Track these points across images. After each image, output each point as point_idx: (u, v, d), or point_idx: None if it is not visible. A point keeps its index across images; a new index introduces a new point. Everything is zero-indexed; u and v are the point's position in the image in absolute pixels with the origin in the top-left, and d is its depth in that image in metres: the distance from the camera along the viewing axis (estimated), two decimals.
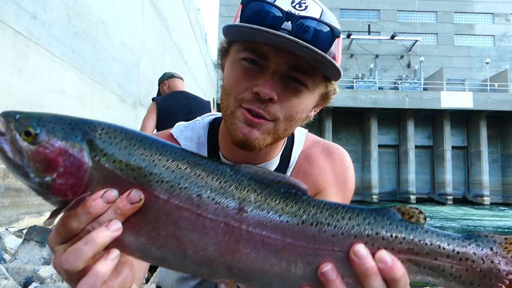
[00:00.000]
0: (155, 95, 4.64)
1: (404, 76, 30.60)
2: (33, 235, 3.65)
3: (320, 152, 0.93)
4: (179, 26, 14.41)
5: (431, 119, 28.66)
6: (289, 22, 0.67)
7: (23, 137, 0.47)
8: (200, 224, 0.47)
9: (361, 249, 0.48)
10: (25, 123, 0.48)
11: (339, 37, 0.70)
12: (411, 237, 0.50)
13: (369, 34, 31.74)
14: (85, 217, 0.44)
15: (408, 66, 31.97)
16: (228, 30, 0.70)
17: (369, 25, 32.09)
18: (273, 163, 0.86)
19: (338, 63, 0.72)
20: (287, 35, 0.63)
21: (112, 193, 0.45)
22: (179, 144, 0.89)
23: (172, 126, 0.94)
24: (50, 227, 0.47)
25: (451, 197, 26.71)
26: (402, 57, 32.32)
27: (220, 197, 0.47)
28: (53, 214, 0.47)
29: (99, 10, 7.12)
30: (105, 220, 0.45)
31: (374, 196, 26.33)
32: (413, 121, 27.49)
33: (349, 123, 28.58)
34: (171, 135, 0.91)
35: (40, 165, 0.47)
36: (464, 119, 28.17)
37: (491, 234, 0.52)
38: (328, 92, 0.79)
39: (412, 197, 26.67)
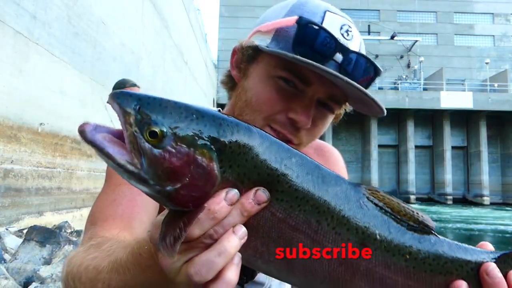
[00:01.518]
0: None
1: (404, 76, 30.61)
2: (33, 235, 3.65)
3: (314, 152, 0.92)
4: (179, 26, 14.41)
5: (431, 119, 28.67)
6: (340, 54, 0.66)
7: (146, 137, 0.39)
8: (314, 251, 0.44)
9: (494, 269, 0.48)
10: (149, 119, 0.40)
11: (379, 75, 0.70)
12: None
13: (369, 34, 31.74)
14: (209, 223, 0.40)
15: (408, 66, 31.98)
16: (279, 54, 0.66)
17: (369, 25, 32.10)
18: None
19: None
20: (341, 76, 0.63)
21: (235, 194, 0.41)
22: None
23: None
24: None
25: (451, 197, 26.73)
26: (402, 57, 32.33)
27: (342, 228, 0.43)
28: (170, 230, 0.40)
29: (99, 10, 7.12)
30: (230, 224, 0.41)
31: None
32: (413, 121, 27.50)
33: (349, 123, 28.52)
34: None
35: (163, 173, 0.40)
36: (464, 119, 28.17)
37: None
38: (341, 112, 0.80)
39: (412, 197, 26.68)
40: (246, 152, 0.42)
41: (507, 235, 10.97)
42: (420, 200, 27.06)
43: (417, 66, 30.39)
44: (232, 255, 0.40)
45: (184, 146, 0.40)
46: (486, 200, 26.23)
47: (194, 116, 0.41)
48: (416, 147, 27.82)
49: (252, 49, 0.73)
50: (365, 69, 0.67)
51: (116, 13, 8.02)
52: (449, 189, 26.91)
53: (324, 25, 0.67)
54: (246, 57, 0.74)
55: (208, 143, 0.40)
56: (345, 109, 0.80)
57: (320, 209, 0.43)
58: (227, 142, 0.41)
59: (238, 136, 0.42)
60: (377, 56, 31.57)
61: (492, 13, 32.81)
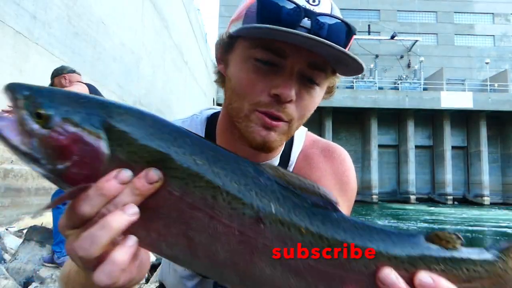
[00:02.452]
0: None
1: (404, 76, 30.61)
2: (33, 235, 3.65)
3: (320, 153, 0.90)
4: (179, 26, 14.41)
5: (431, 119, 28.67)
6: (309, 20, 0.65)
7: (34, 119, 0.42)
8: (212, 228, 0.43)
9: (390, 274, 0.44)
10: (37, 103, 0.43)
11: (355, 34, 0.69)
12: (446, 259, 0.46)
13: (369, 34, 31.74)
14: (98, 200, 0.41)
15: (408, 66, 31.98)
16: (247, 31, 0.66)
17: (369, 25, 32.10)
18: (273, 162, 0.84)
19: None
20: (314, 36, 0.61)
21: (126, 173, 0.42)
22: None
23: None
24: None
25: (451, 197, 26.73)
26: (402, 57, 32.33)
27: (237, 203, 0.43)
28: (59, 200, 0.43)
29: (99, 10, 7.12)
30: (121, 203, 0.41)
31: (374, 196, 26.34)
32: (413, 121, 27.50)
33: (349, 123, 28.59)
34: None
35: (52, 152, 0.42)
36: (464, 119, 28.17)
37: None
38: (333, 86, 0.78)
39: (412, 197, 26.68)
40: (136, 132, 0.43)
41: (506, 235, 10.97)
42: (420, 200, 27.07)
43: (417, 66, 30.40)
44: (115, 230, 0.40)
45: (71, 125, 0.42)
46: (486, 200, 26.23)
47: (82, 100, 0.44)
48: (416, 147, 27.82)
49: (227, 37, 0.74)
50: (337, 29, 0.66)
51: (116, 13, 8.02)
52: (449, 189, 26.91)
53: None
54: (224, 48, 0.75)
55: (96, 123, 0.42)
56: (336, 82, 0.78)
57: (215, 184, 0.43)
58: (116, 122, 0.43)
59: (128, 117, 0.44)
60: (377, 56, 31.58)
61: (492, 13, 32.82)
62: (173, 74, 13.49)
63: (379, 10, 32.86)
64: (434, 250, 0.46)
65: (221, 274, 0.46)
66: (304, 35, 0.61)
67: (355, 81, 28.35)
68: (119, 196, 0.41)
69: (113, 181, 0.41)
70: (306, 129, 0.95)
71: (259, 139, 0.69)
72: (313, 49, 0.65)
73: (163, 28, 12.08)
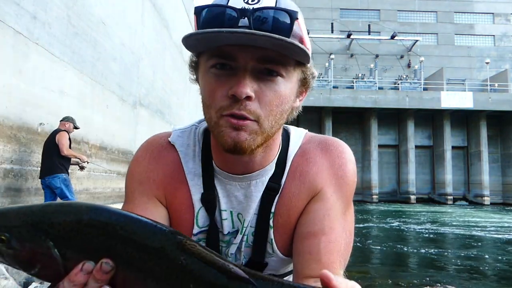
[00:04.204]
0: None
1: (404, 76, 30.61)
2: None
3: (316, 147, 0.87)
4: (179, 26, 14.41)
5: (431, 119, 28.68)
6: (245, 18, 0.66)
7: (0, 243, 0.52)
8: None
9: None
10: None
11: (297, 19, 0.68)
12: None
13: (369, 34, 31.75)
14: None
15: (408, 66, 31.99)
16: (186, 42, 0.68)
17: (369, 25, 32.10)
18: (270, 169, 0.83)
19: (306, 45, 0.71)
20: (242, 30, 0.63)
21: (89, 264, 0.50)
22: (175, 149, 0.87)
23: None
24: None
25: (451, 197, 26.74)
26: (402, 57, 32.33)
27: (163, 284, 0.51)
28: None
29: (99, 10, 7.12)
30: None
31: (374, 196, 26.36)
32: (413, 121, 27.51)
33: (349, 123, 28.60)
34: (168, 141, 0.88)
35: (21, 264, 0.53)
36: (464, 119, 28.19)
37: None
38: (306, 77, 0.77)
39: (412, 197, 26.70)
40: (76, 233, 0.51)
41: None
42: (421, 200, 27.08)
43: (418, 66, 30.40)
44: None
45: (26, 243, 0.51)
46: (487, 200, 26.25)
47: (28, 217, 0.52)
48: (416, 147, 27.83)
49: (191, 58, 0.78)
50: (278, 19, 0.66)
51: (116, 13, 8.02)
52: (449, 189, 26.92)
53: (230, 3, 0.67)
54: (193, 68, 0.79)
55: (43, 236, 0.51)
56: (311, 74, 0.77)
57: (142, 268, 0.51)
58: (57, 231, 0.51)
59: (65, 220, 0.52)
60: (377, 56, 31.59)
61: (492, 13, 32.82)
62: (173, 74, 13.49)
63: (379, 10, 32.85)
64: None
65: None
66: (233, 31, 0.63)
67: (355, 81, 28.36)
68: (88, 284, 0.50)
69: (80, 274, 0.49)
70: (306, 130, 0.93)
71: (230, 141, 0.69)
72: (253, 44, 0.65)
73: (163, 28, 12.08)
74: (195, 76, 0.80)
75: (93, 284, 0.50)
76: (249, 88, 0.67)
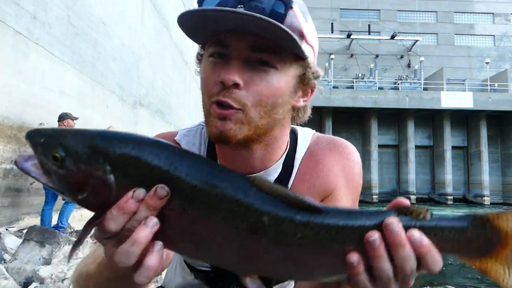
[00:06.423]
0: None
1: (404, 76, 30.60)
2: (33, 235, 3.65)
3: (325, 148, 0.87)
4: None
5: (431, 119, 28.67)
6: (241, 6, 0.66)
7: (51, 161, 0.50)
8: (213, 239, 0.51)
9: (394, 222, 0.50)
10: (51, 148, 0.50)
11: (292, 8, 0.68)
12: (417, 226, 0.52)
13: (369, 34, 31.74)
14: (121, 218, 0.49)
15: (408, 66, 31.98)
16: (180, 24, 0.69)
17: (369, 25, 32.09)
18: (275, 170, 0.81)
19: (307, 40, 0.71)
20: (227, 8, 0.64)
21: (141, 191, 0.49)
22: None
23: None
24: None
25: (451, 197, 26.73)
26: (402, 57, 32.32)
27: (232, 219, 0.49)
28: (87, 227, 0.51)
29: (99, 10, 7.12)
30: (141, 218, 0.49)
31: (374, 196, 26.33)
32: (413, 121, 27.50)
33: (349, 123, 28.58)
34: (174, 140, 0.89)
35: (70, 187, 0.51)
36: (464, 119, 28.17)
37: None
38: (305, 73, 0.75)
39: (412, 197, 26.66)
40: (136, 161, 0.50)
41: None
42: (421, 200, 27.06)
43: (418, 66, 30.39)
44: (144, 243, 0.48)
45: (81, 164, 0.49)
46: (487, 200, 26.23)
47: (88, 138, 0.51)
48: (416, 147, 27.81)
49: (198, 51, 0.80)
50: (273, 7, 0.67)
51: (116, 13, 8.02)
52: (449, 189, 26.91)
53: None
54: (198, 60, 0.80)
55: (101, 159, 0.49)
56: (312, 72, 0.76)
57: (210, 203, 0.49)
58: (116, 156, 0.50)
59: (127, 149, 0.50)
60: (377, 56, 31.58)
61: (492, 13, 32.81)
62: (173, 74, 13.49)
63: (379, 10, 32.85)
64: (407, 219, 0.52)
65: (232, 268, 0.54)
66: (223, 10, 0.64)
67: (355, 81, 28.36)
68: (138, 212, 0.49)
69: (130, 201, 0.48)
70: (314, 131, 0.93)
71: (216, 131, 0.69)
72: (244, 28, 0.66)
73: (163, 28, 12.09)
74: (199, 68, 0.80)
75: (144, 212, 0.49)
76: (237, 75, 0.67)
